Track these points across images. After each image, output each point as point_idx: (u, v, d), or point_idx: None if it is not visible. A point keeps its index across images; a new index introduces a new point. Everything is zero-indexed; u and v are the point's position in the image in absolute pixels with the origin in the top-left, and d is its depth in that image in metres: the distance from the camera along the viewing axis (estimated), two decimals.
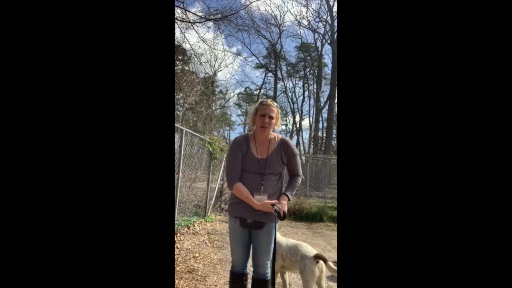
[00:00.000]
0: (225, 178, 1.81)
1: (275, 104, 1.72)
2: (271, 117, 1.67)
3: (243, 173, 1.70)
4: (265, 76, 24.41)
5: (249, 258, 1.77)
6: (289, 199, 1.73)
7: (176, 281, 2.60)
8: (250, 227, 1.68)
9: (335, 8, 17.13)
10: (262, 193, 1.66)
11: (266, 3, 27.70)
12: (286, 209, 1.67)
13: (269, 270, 1.74)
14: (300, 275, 2.02)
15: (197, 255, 3.38)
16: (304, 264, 1.98)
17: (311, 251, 2.05)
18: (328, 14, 18.66)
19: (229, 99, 24.54)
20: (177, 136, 4.14)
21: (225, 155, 6.43)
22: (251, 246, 1.75)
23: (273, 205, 1.63)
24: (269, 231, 1.69)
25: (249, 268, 1.80)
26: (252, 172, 1.68)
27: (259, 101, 1.75)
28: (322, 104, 20.25)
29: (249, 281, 1.79)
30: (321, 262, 2.00)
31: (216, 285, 2.60)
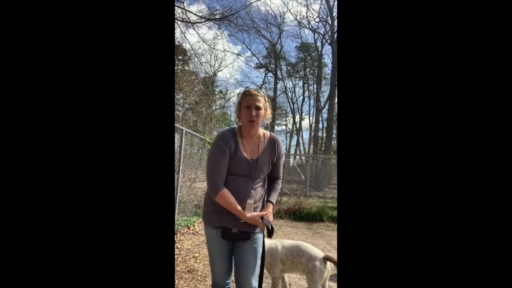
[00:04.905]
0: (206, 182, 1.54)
1: (261, 93, 1.46)
2: (258, 108, 1.41)
3: (230, 176, 1.44)
4: (265, 76, 24.47)
5: (232, 270, 1.55)
6: (273, 205, 1.54)
7: (176, 281, 2.60)
8: (235, 238, 1.43)
9: (335, 8, 17.14)
10: (252, 199, 1.44)
11: (266, 3, 27.78)
12: (272, 218, 1.48)
13: None
14: (307, 276, 1.97)
15: (197, 255, 3.38)
16: (313, 265, 1.93)
17: (318, 252, 2.03)
18: (328, 14, 18.68)
19: (229, 99, 24.57)
20: (177, 136, 4.14)
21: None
22: (234, 262, 1.52)
23: (262, 217, 1.42)
24: (256, 242, 1.47)
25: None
26: (241, 175, 1.45)
27: (242, 91, 1.50)
28: (322, 104, 20.27)
29: None
30: (328, 263, 1.98)
31: None
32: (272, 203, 1.53)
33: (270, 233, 1.44)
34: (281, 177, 1.63)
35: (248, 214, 1.40)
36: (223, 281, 1.53)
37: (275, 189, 1.57)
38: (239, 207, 1.39)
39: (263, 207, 1.52)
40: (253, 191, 1.45)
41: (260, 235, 1.49)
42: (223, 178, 1.42)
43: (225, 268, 1.51)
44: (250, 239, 1.45)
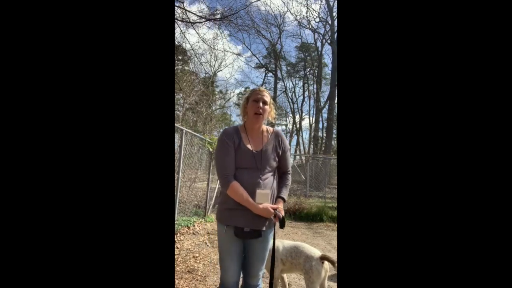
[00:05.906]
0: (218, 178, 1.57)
1: (268, 92, 1.57)
2: (265, 102, 1.51)
3: (238, 170, 1.47)
4: (265, 76, 24.46)
5: (241, 271, 1.59)
6: (284, 202, 1.55)
7: (176, 281, 2.60)
8: (247, 237, 1.46)
9: (335, 8, 17.16)
10: (262, 189, 1.45)
11: (266, 3, 27.76)
12: (283, 213, 1.50)
13: (261, 281, 1.59)
14: (305, 276, 2.00)
15: (197, 255, 3.39)
16: (310, 265, 1.96)
17: (315, 252, 2.04)
18: (328, 14, 18.69)
19: (229, 99, 24.57)
20: (177, 136, 4.14)
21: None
22: (245, 255, 1.56)
23: (274, 209, 1.44)
24: (267, 239, 1.52)
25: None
26: (248, 167, 1.47)
27: (251, 89, 1.60)
28: (322, 104, 20.28)
29: None
30: (326, 262, 2.00)
31: (216, 285, 2.60)
32: (283, 198, 1.53)
33: (282, 224, 1.47)
34: (290, 172, 1.65)
35: (261, 205, 1.42)
36: (232, 280, 1.53)
37: (285, 185, 1.59)
38: (250, 199, 1.41)
39: (274, 203, 1.53)
40: (261, 181, 1.46)
41: (271, 232, 1.53)
42: (231, 171, 1.46)
43: (236, 268, 1.52)
44: (263, 236, 1.48)
